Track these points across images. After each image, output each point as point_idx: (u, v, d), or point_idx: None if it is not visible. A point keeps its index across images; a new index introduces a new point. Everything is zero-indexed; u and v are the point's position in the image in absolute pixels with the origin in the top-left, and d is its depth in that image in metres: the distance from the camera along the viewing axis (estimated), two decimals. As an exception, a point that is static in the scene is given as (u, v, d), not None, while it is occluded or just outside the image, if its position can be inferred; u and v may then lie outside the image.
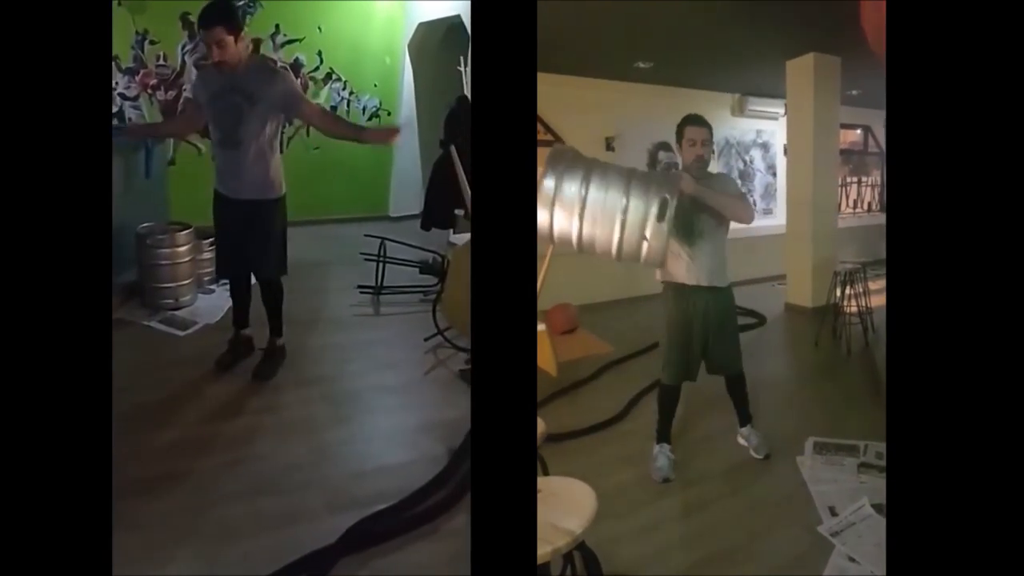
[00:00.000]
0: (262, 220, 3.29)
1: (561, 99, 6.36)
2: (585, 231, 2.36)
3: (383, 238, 5.14)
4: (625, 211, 2.30)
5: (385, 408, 3.33)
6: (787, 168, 6.61)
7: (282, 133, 3.80)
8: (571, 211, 2.34)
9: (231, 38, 3.04)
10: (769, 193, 8.57)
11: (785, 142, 6.77)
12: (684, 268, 2.80)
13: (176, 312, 4.38)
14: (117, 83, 6.15)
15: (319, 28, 6.87)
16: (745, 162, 8.37)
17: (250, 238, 3.30)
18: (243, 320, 3.63)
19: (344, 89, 7.19)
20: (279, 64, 3.18)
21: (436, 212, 4.50)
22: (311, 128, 6.94)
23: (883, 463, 2.86)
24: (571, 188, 2.32)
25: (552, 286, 4.36)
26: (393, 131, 3.31)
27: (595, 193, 2.33)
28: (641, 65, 6.28)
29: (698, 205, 2.70)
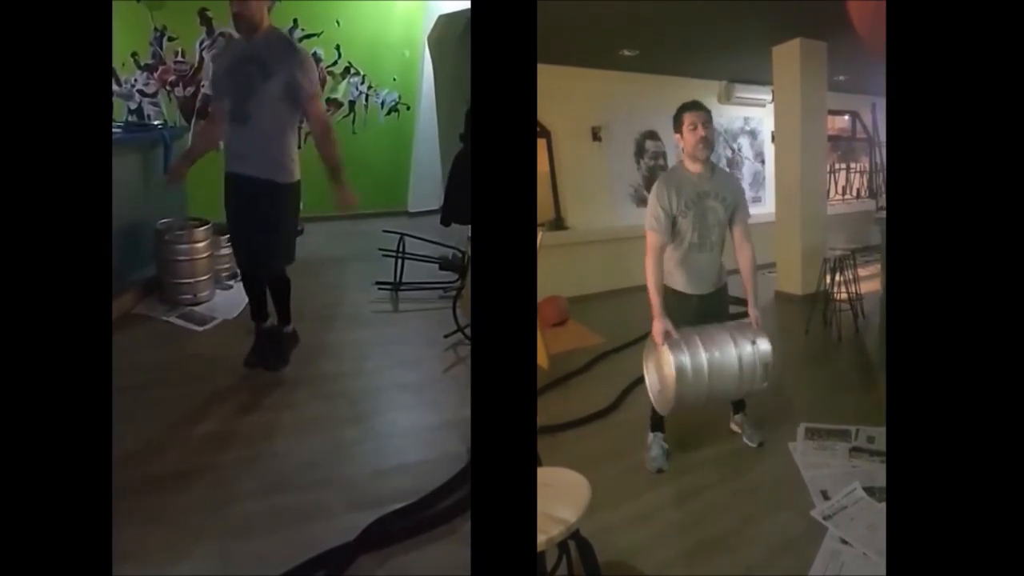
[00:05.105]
0: (270, 207, 3.15)
1: (546, 89, 6.32)
2: (713, 386, 2.66)
3: (402, 234, 5.12)
4: (741, 356, 2.66)
5: (404, 406, 3.32)
6: (775, 155, 6.61)
7: (299, 127, 3.71)
8: (700, 375, 2.62)
9: None
10: (758, 181, 8.58)
11: (773, 129, 6.78)
12: (685, 279, 2.79)
13: (194, 308, 4.37)
14: (136, 79, 6.15)
15: (337, 22, 6.83)
16: (733, 150, 8.38)
17: (259, 226, 3.17)
18: (262, 312, 3.51)
19: (363, 83, 7.15)
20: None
21: (456, 207, 4.46)
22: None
23: (874, 447, 2.88)
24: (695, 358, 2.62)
25: (542, 279, 4.34)
26: (352, 200, 3.22)
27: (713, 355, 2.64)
28: (626, 53, 6.26)
29: (709, 219, 2.73)
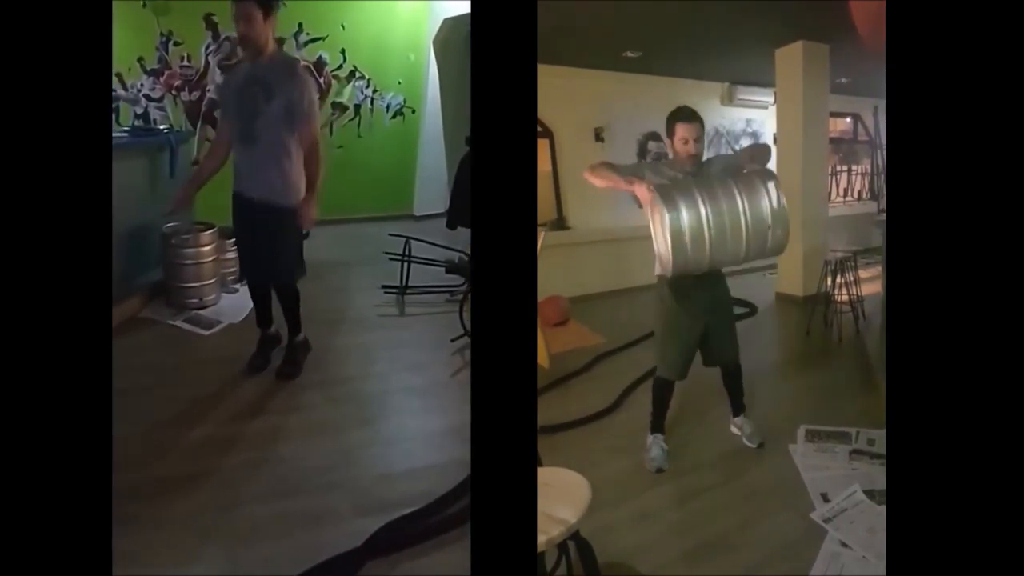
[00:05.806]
0: (276, 227, 3.22)
1: (549, 90, 6.34)
2: (715, 248, 2.39)
3: (408, 237, 5.11)
4: (745, 212, 2.35)
5: (411, 410, 3.30)
6: (777, 157, 6.60)
7: None
8: (699, 235, 2.37)
9: (259, 15, 3.01)
10: (759, 182, 8.56)
11: (775, 131, 6.77)
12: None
13: (201, 311, 4.38)
14: (142, 84, 6.17)
15: (342, 26, 6.82)
16: (735, 152, 8.37)
17: (264, 244, 3.25)
18: (266, 320, 3.60)
19: (368, 87, 7.14)
20: (303, 65, 3.20)
21: (462, 210, 4.47)
22: (332, 127, 6.98)
23: (874, 449, 2.88)
24: (692, 214, 2.35)
25: (543, 279, 4.35)
26: (311, 219, 3.24)
27: (713, 207, 2.36)
28: (629, 54, 6.26)
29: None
